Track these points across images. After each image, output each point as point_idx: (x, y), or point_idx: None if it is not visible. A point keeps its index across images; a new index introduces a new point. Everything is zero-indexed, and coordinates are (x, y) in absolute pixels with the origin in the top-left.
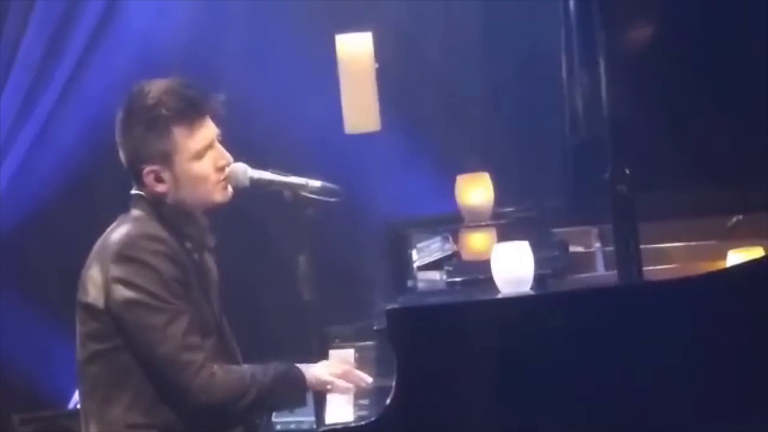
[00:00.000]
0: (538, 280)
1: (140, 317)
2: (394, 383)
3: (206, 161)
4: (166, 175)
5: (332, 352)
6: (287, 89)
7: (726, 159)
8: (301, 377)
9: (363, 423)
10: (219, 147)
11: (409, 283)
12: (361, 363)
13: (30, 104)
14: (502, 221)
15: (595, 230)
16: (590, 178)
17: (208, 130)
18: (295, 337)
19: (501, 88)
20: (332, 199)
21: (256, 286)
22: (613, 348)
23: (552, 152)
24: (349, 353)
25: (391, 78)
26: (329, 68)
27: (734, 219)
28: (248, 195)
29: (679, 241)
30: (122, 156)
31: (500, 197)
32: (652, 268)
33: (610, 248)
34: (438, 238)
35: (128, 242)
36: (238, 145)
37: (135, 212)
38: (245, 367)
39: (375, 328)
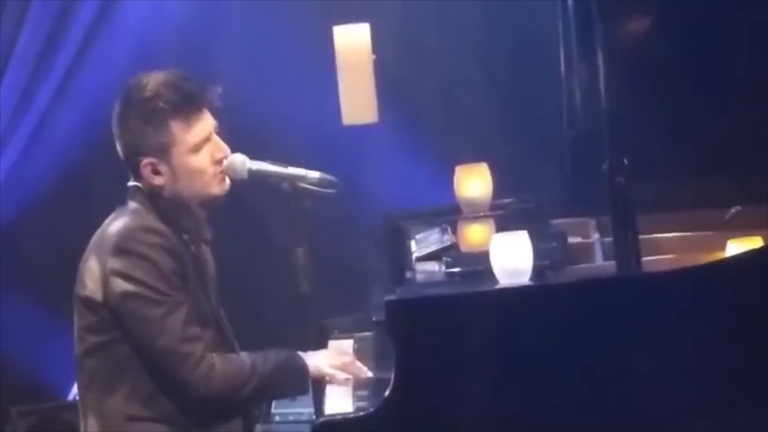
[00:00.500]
0: (537, 271)
1: (139, 310)
2: (392, 375)
3: (204, 154)
4: (163, 168)
5: (331, 343)
6: (285, 81)
7: (724, 150)
8: (302, 365)
9: (362, 414)
10: (216, 139)
11: (408, 274)
12: (359, 354)
13: (27, 99)
14: (500, 212)
15: (593, 221)
16: (588, 170)
17: (206, 122)
18: (294, 329)
19: (499, 80)
20: (330, 191)
21: (254, 279)
22: (612, 338)
23: (550, 143)
24: (348, 344)
25: (389, 69)
26: (327, 60)
27: (733, 210)
28: (246, 187)
29: (678, 231)
30: (119, 148)
31: (499, 188)
32: (650, 258)
33: (609, 239)
34: (436, 230)
35: (126, 235)
36: (235, 137)
37: (132, 204)
38: (245, 356)
39: (373, 319)
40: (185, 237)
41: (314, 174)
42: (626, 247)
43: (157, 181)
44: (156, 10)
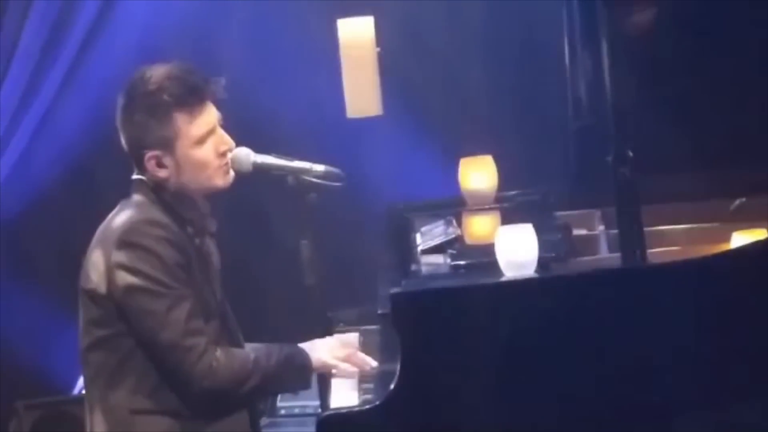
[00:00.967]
0: (542, 263)
1: (143, 303)
2: (398, 367)
3: (208, 146)
4: (167, 161)
5: (337, 335)
6: (289, 74)
7: (729, 141)
8: (306, 360)
9: (367, 407)
10: (221, 132)
11: (413, 267)
12: (365, 347)
13: (31, 92)
14: (505, 205)
15: (598, 213)
16: (593, 161)
17: (210, 115)
18: (299, 321)
19: (503, 72)
20: (335, 184)
21: (259, 271)
22: (617, 330)
23: (555, 135)
24: (354, 336)
25: (393, 62)
26: (331, 53)
27: (738, 201)
28: (250, 180)
29: (683, 223)
30: (123, 141)
31: (503, 181)
32: (655, 250)
33: (614, 231)
34: (441, 222)
35: (130, 228)
36: (239, 129)
37: (136, 197)
38: (249, 350)
39: (379, 312)
40: (189, 230)
41: (319, 167)
42: (631, 239)
43: (162, 174)
44: (160, 4)
